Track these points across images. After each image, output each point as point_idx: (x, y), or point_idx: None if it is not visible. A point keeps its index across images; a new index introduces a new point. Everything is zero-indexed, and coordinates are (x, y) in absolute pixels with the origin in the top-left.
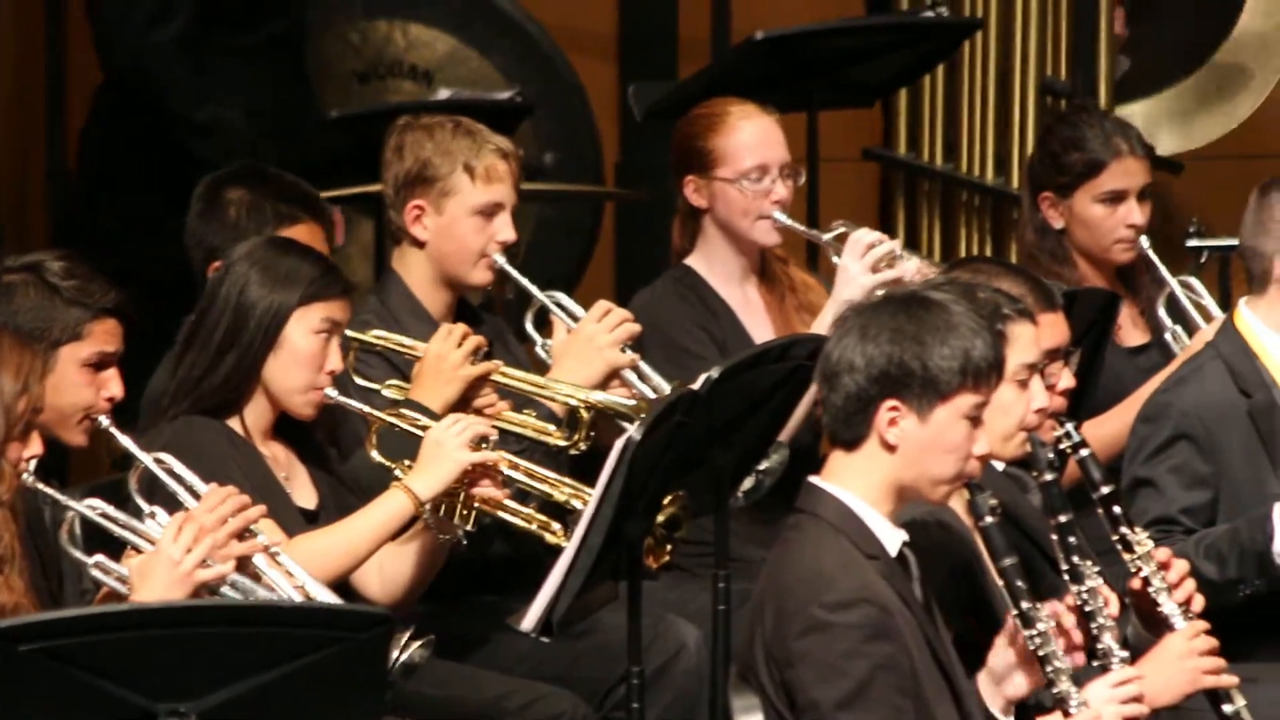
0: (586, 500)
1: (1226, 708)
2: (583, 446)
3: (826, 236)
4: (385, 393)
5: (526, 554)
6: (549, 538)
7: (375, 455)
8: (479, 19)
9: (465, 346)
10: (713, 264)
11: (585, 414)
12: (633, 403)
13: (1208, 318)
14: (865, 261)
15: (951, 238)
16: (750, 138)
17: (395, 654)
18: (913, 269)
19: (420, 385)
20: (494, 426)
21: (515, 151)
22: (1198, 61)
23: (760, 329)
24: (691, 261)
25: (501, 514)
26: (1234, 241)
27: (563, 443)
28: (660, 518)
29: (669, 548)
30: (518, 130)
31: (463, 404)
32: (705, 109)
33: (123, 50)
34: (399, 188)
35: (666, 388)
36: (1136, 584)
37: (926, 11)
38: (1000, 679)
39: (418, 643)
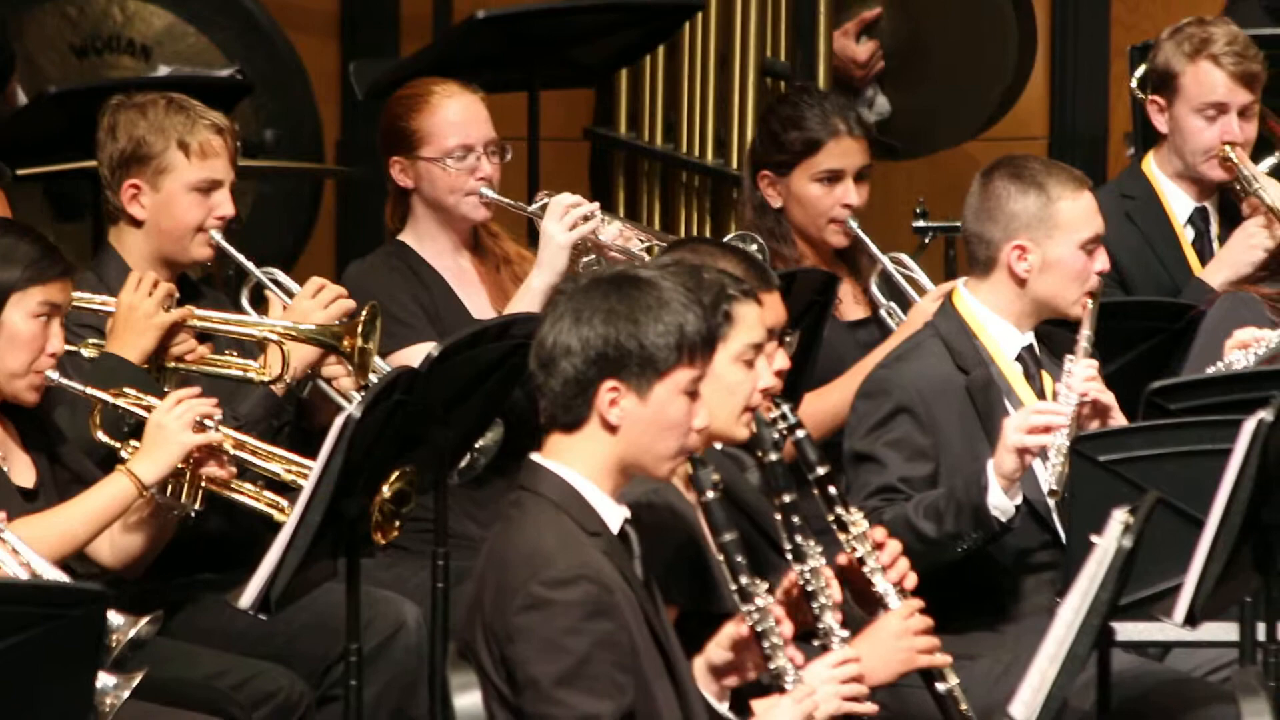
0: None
1: (940, 686)
2: (286, 379)
3: (532, 208)
4: (84, 351)
5: (243, 530)
6: (277, 515)
7: (100, 435)
8: None
9: (156, 295)
10: (423, 240)
11: (285, 349)
12: (318, 330)
13: (920, 292)
14: (565, 222)
15: (671, 218)
16: (454, 116)
17: (122, 631)
18: (614, 232)
19: (116, 338)
20: (196, 371)
21: (231, 126)
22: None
23: (475, 301)
24: (404, 237)
25: (229, 493)
26: (958, 223)
27: (265, 378)
28: (388, 492)
29: (397, 523)
30: (237, 107)
31: (161, 352)
32: (408, 90)
33: None
34: (114, 168)
35: (376, 360)
36: (842, 559)
37: None
38: (720, 668)
39: (145, 619)
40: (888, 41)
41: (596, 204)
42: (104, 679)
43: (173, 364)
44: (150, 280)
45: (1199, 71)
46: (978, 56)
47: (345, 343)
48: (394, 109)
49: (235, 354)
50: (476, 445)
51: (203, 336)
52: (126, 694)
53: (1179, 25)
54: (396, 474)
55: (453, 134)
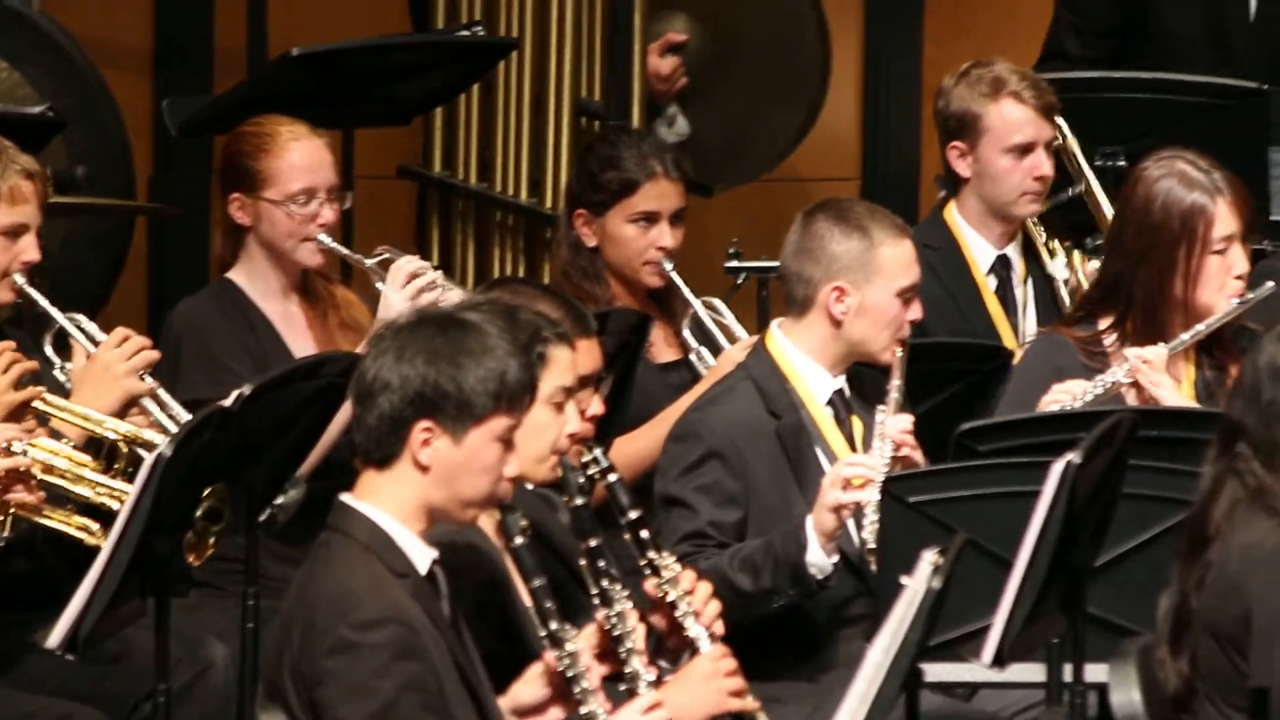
0: (123, 500)
1: None
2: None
3: (369, 262)
4: None
5: (49, 570)
6: (88, 539)
7: None
8: (10, 30)
9: (11, 373)
10: (254, 279)
11: (125, 448)
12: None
13: (731, 338)
14: (406, 291)
15: (486, 257)
16: (299, 160)
17: None
18: (455, 299)
19: None
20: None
21: (42, 171)
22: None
23: (301, 344)
24: (233, 275)
25: (39, 518)
26: (772, 264)
27: (100, 475)
28: (199, 511)
29: (211, 541)
30: (50, 144)
31: None
32: (254, 127)
33: None
34: None
35: (185, 416)
36: (650, 586)
37: (462, 31)
38: (524, 707)
39: None
40: (691, 63)
41: (438, 272)
42: None
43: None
44: (7, 357)
45: (1003, 110)
46: (779, 87)
47: None
48: (238, 145)
49: (71, 443)
50: (277, 501)
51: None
52: None
53: (962, 70)
54: (207, 491)
55: (297, 178)
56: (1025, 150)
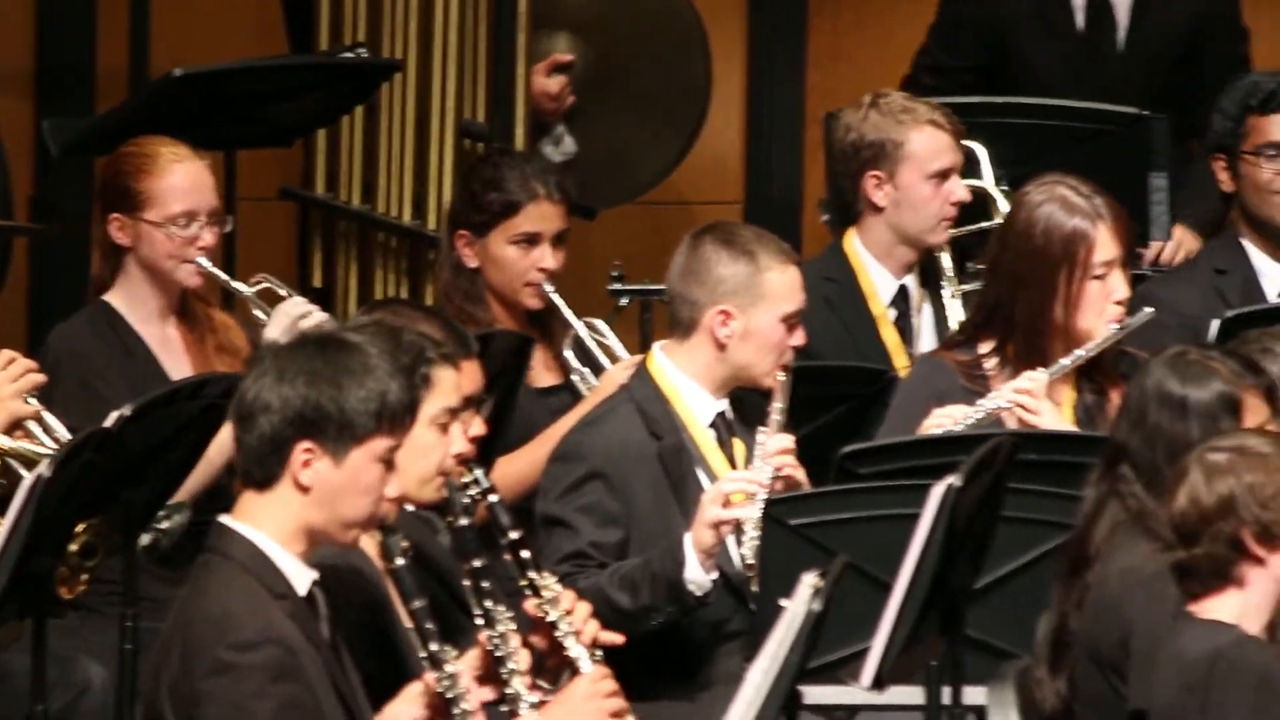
0: None
1: None
2: None
3: (248, 290)
4: None
5: None
6: None
7: None
8: None
9: None
10: (132, 301)
11: None
12: (53, 450)
13: (614, 359)
14: (291, 334)
15: (368, 278)
16: (180, 182)
17: None
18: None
19: None
20: None
21: None
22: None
23: (178, 368)
24: (110, 297)
25: None
26: (655, 286)
27: None
28: (74, 546)
29: (84, 576)
30: None
31: None
32: (136, 147)
33: None
34: None
35: (68, 438)
36: (530, 607)
37: (346, 53)
38: None
39: None
40: (578, 81)
41: (324, 315)
42: None
43: None
44: None
45: (927, 137)
46: (660, 109)
47: None
48: (120, 166)
49: None
50: (162, 527)
51: None
52: None
53: (869, 101)
54: (83, 527)
55: (178, 200)
56: (944, 176)
